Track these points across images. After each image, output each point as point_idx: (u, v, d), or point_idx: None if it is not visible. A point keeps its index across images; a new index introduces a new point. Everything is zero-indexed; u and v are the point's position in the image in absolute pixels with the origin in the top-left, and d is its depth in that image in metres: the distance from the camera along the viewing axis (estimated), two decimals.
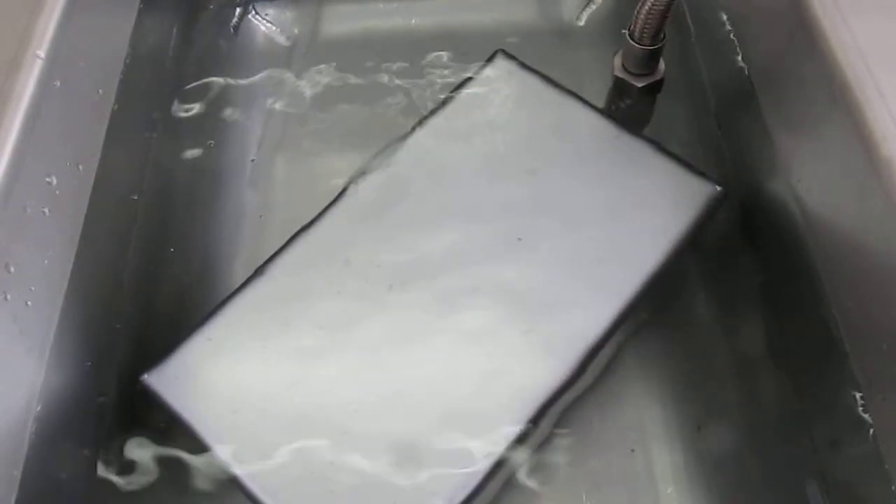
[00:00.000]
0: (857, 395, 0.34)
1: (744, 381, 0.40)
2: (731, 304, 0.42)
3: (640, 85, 0.46)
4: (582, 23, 0.52)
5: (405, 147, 0.44)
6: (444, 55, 0.50)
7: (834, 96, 0.34)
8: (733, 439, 0.38)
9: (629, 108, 0.47)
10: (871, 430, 0.33)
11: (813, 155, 0.38)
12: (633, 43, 0.44)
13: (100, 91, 0.42)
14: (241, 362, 0.39)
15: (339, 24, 0.53)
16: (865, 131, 0.31)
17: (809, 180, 0.38)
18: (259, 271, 0.41)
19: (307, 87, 0.50)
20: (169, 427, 0.37)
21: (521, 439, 0.36)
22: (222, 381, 0.38)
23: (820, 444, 0.37)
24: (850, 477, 0.35)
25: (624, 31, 0.45)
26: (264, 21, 0.53)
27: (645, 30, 0.42)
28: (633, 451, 0.38)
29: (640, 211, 0.41)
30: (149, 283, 0.43)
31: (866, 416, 0.33)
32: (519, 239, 0.41)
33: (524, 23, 0.52)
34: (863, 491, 0.34)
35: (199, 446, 0.36)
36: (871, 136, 0.31)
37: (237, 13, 0.53)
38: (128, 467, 0.38)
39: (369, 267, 0.41)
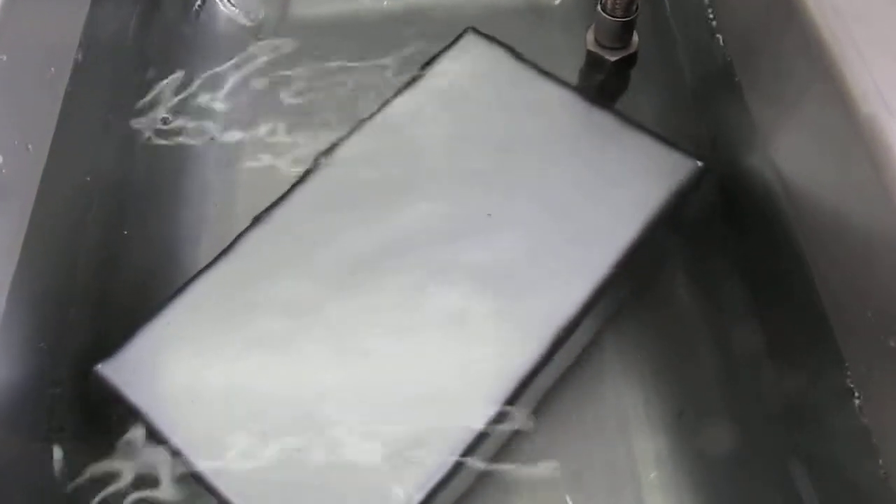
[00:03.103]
0: (844, 369, 0.33)
1: (725, 362, 0.38)
2: (712, 284, 0.41)
3: (613, 59, 0.44)
4: (557, 1, 0.51)
5: (371, 126, 0.43)
6: (416, 36, 0.49)
7: (812, 58, 0.33)
8: (716, 423, 0.37)
9: (603, 84, 0.46)
10: (857, 404, 0.32)
11: (791, 122, 0.37)
12: (605, 15, 0.43)
13: (52, 69, 0.41)
14: (202, 349, 0.37)
15: (306, 5, 0.52)
16: (845, 90, 0.30)
17: (788, 149, 0.37)
18: (221, 254, 0.39)
19: (272, 70, 0.48)
20: (125, 419, 0.36)
21: (495, 424, 0.35)
22: (181, 369, 0.37)
23: (805, 422, 0.36)
24: (836, 454, 0.34)
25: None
26: (229, 4, 0.52)
27: (617, 0, 0.41)
28: (613, 437, 0.37)
29: (615, 187, 0.40)
30: (106, 270, 0.42)
31: (852, 388, 0.32)
32: (490, 216, 0.40)
33: (499, 2, 0.51)
34: (849, 468, 0.33)
35: (157, 438, 0.35)
36: (850, 95, 0.30)
37: None
38: (80, 462, 0.36)
39: (336, 248, 0.39)
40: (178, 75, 0.48)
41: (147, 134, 0.46)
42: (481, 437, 0.34)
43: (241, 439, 0.35)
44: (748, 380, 0.38)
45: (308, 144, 0.44)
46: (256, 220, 0.40)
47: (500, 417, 0.35)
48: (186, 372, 0.37)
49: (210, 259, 0.39)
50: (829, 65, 0.31)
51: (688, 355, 0.39)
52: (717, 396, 0.38)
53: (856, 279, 0.32)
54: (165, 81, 0.48)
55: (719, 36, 0.44)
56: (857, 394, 0.32)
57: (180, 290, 0.39)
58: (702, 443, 0.37)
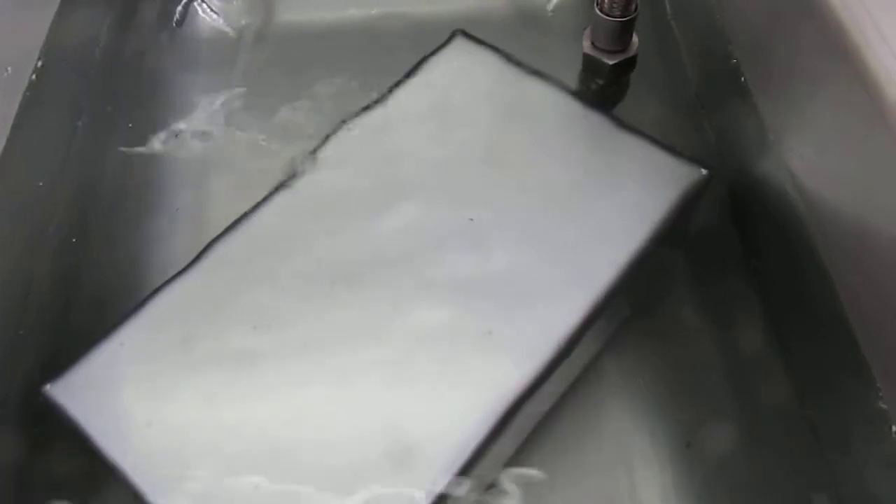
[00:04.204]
0: (875, 389, 0.29)
1: (739, 386, 0.35)
2: (723, 300, 0.37)
3: (611, 62, 0.42)
4: (550, 9, 0.48)
5: (353, 131, 0.41)
6: (403, 45, 0.46)
7: (829, 47, 0.30)
8: (728, 455, 0.33)
9: (602, 89, 0.43)
10: (893, 426, 0.28)
11: (806, 120, 0.34)
12: (602, 15, 0.40)
13: (8, 69, 0.38)
14: (161, 369, 0.34)
15: (291, 13, 0.50)
16: (867, 77, 0.27)
17: (804, 150, 0.34)
18: (187, 267, 0.37)
19: (252, 78, 0.46)
20: (74, 446, 0.33)
21: (481, 456, 0.32)
22: (137, 391, 0.34)
23: (830, 450, 0.32)
24: (868, 484, 0.30)
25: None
26: (210, 12, 0.50)
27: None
28: (614, 472, 0.33)
29: (614, 197, 0.38)
30: (65, 286, 0.39)
31: (885, 409, 0.28)
32: (478, 227, 0.37)
33: (490, 11, 0.49)
34: (886, 499, 0.29)
35: (106, 467, 0.32)
36: (874, 82, 0.27)
37: (182, 3, 0.50)
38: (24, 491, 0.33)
39: (310, 260, 0.37)
40: (154, 83, 0.46)
41: (117, 142, 0.43)
42: (466, 469, 0.31)
43: (197, 470, 0.32)
44: (766, 406, 0.34)
45: (286, 152, 0.41)
46: (226, 230, 0.38)
47: (487, 448, 0.32)
48: (143, 394, 0.34)
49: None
50: (848, 50, 0.28)
51: (696, 380, 0.35)
52: (730, 425, 0.34)
53: (885, 291, 0.29)
54: (141, 88, 0.46)
55: (724, 34, 0.41)
56: (892, 417, 0.29)
57: (141, 305, 0.36)
58: (713, 477, 0.33)
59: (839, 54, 0.29)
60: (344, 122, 0.41)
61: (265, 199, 0.39)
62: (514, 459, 0.33)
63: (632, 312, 0.37)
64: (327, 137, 0.41)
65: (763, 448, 0.33)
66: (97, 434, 0.32)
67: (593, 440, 0.34)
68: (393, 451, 0.31)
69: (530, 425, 0.34)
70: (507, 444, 0.33)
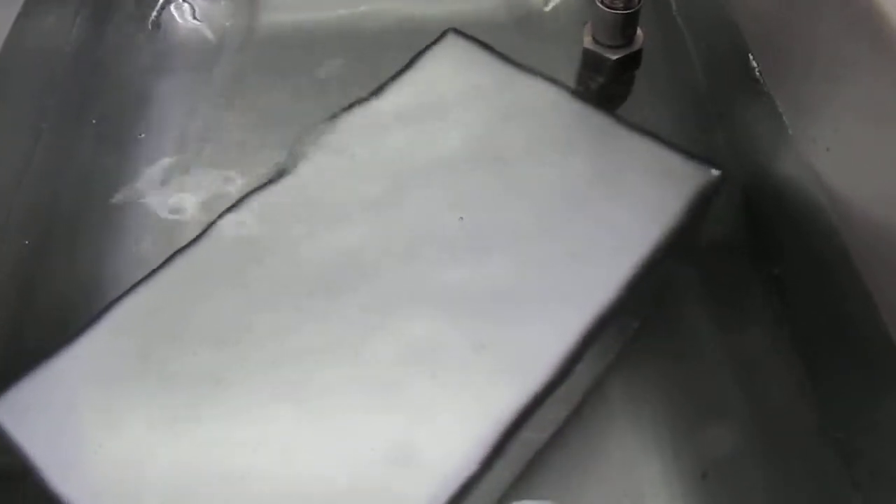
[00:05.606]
0: None
1: (760, 409, 0.32)
2: (740, 314, 0.34)
3: (614, 58, 0.39)
4: (548, 8, 0.46)
5: (339, 132, 0.38)
6: (395, 46, 0.44)
7: (857, 27, 0.27)
8: (749, 485, 0.31)
9: (603, 88, 0.41)
10: None
11: (831, 110, 0.32)
12: (604, 8, 0.38)
13: None
14: (115, 388, 0.31)
15: (276, 14, 0.47)
16: None
17: (830, 146, 0.32)
18: (147, 276, 0.34)
19: (236, 80, 0.44)
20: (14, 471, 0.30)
21: (474, 486, 0.28)
22: (87, 412, 0.31)
23: (868, 480, 0.29)
24: None
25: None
26: (191, 14, 0.48)
27: None
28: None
29: (618, 200, 0.35)
30: (18, 296, 0.36)
31: None
32: (469, 231, 0.34)
33: (485, 11, 0.47)
34: None
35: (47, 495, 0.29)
36: None
37: (159, 4, 0.48)
38: None
39: (286, 267, 0.34)
40: (127, 86, 0.44)
41: (84, 145, 0.41)
42: (457, 501, 0.28)
43: (148, 499, 0.29)
44: (790, 432, 0.31)
45: (268, 155, 0.38)
46: (196, 237, 0.35)
47: (481, 475, 0.28)
48: (94, 416, 0.31)
49: None
50: (880, 21, 0.26)
51: (712, 403, 0.33)
52: (750, 451, 0.31)
53: None
54: (111, 91, 0.43)
55: (735, 25, 0.39)
56: None
57: (96, 317, 0.33)
58: None
59: (869, 36, 0.26)
60: (330, 121, 0.39)
61: (239, 203, 0.36)
62: (513, 490, 0.30)
63: (639, 327, 0.34)
64: (312, 138, 0.38)
65: (788, 477, 0.30)
66: (41, 459, 0.30)
67: (598, 469, 0.31)
68: (374, 480, 0.28)
69: (529, 453, 0.31)
70: (503, 473, 0.30)
